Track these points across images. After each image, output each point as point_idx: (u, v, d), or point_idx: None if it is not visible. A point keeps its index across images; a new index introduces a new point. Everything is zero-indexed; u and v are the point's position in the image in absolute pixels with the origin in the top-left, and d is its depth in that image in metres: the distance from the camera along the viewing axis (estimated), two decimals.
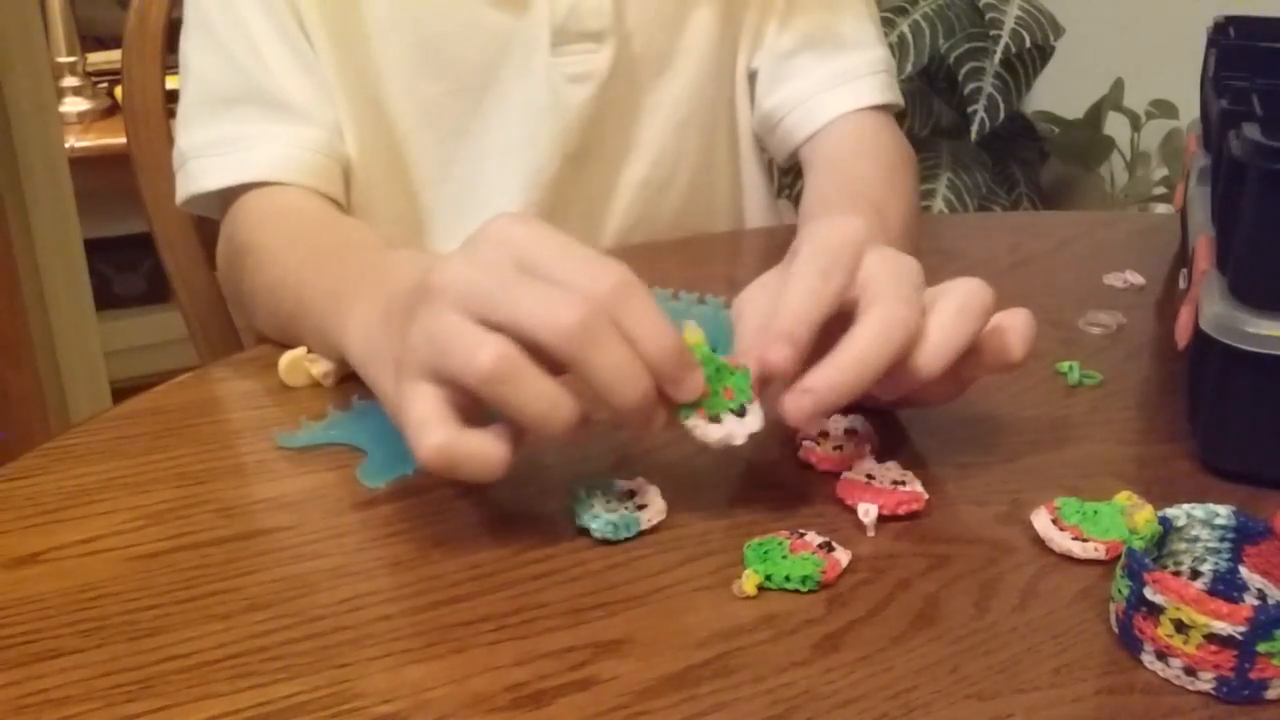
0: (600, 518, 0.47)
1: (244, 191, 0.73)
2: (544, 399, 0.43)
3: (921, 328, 0.49)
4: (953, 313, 0.50)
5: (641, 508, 0.49)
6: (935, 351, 0.49)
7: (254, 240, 0.70)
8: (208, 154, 0.74)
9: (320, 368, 0.60)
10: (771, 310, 0.49)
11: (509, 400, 0.43)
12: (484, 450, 0.44)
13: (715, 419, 0.47)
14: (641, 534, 0.48)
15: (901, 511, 0.49)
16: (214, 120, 0.75)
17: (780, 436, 0.55)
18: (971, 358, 0.51)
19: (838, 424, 0.55)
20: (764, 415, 0.47)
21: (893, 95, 0.85)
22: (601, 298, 0.43)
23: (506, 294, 0.43)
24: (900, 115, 0.88)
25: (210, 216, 0.79)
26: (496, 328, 0.43)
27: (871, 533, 0.48)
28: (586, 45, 0.79)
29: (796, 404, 0.47)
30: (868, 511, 0.48)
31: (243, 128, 0.74)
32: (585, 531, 0.48)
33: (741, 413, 0.47)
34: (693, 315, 0.61)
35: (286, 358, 0.60)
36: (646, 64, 0.82)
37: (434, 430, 0.43)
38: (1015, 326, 0.51)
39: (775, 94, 0.86)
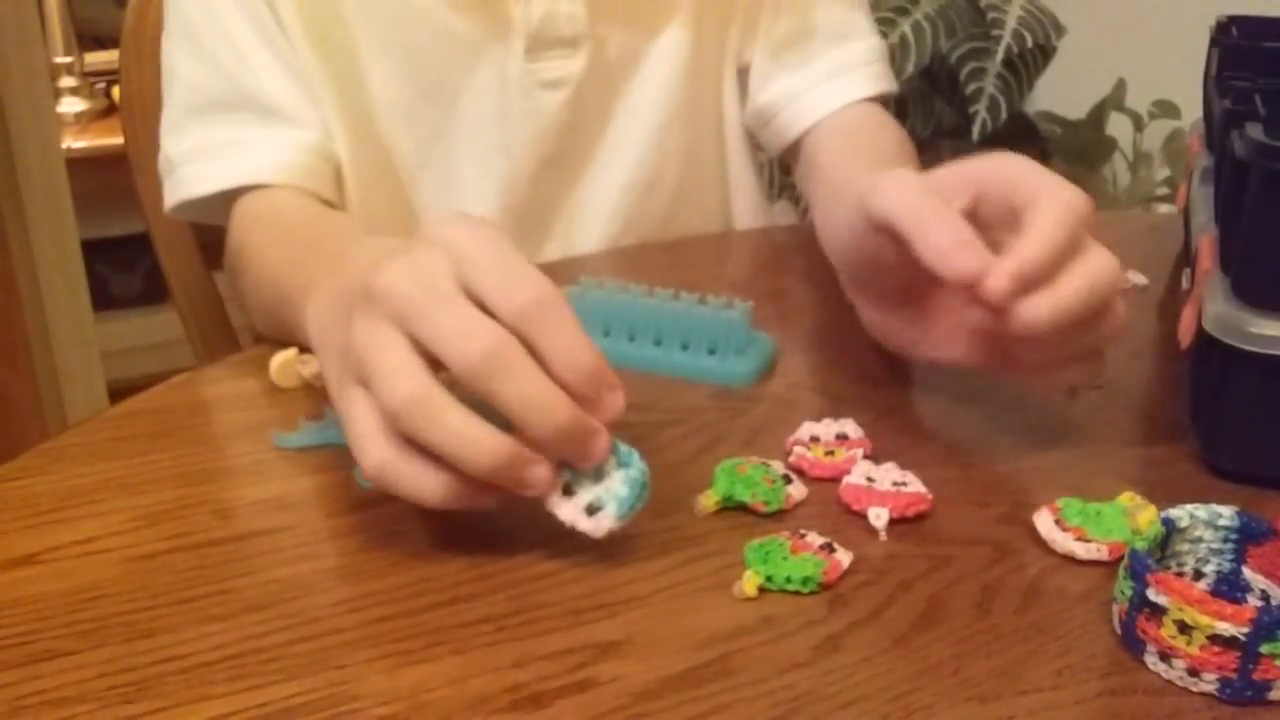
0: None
1: (241, 196, 0.73)
2: (456, 437, 0.42)
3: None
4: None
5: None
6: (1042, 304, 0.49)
7: (246, 241, 0.71)
8: (197, 160, 0.74)
9: (311, 369, 0.59)
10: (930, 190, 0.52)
11: (420, 436, 0.42)
12: (417, 479, 0.43)
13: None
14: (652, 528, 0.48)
15: (910, 514, 0.49)
16: (202, 126, 0.75)
17: (775, 441, 0.55)
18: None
19: (829, 428, 0.54)
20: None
21: (888, 84, 0.86)
22: (513, 315, 0.42)
23: (429, 316, 0.42)
24: (901, 115, 0.89)
25: (200, 222, 0.79)
26: (420, 346, 0.43)
27: (884, 537, 0.48)
28: (561, 51, 0.79)
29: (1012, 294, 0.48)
30: (879, 515, 0.48)
31: (232, 132, 0.74)
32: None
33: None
34: (639, 305, 0.61)
35: (277, 359, 0.60)
36: (621, 67, 0.82)
37: (372, 448, 0.43)
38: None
39: (771, 87, 0.86)
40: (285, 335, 0.62)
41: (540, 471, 0.44)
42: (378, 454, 0.43)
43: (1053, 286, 0.49)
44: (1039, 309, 0.48)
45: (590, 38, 0.79)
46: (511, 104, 0.79)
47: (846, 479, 0.51)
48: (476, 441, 0.42)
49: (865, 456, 0.53)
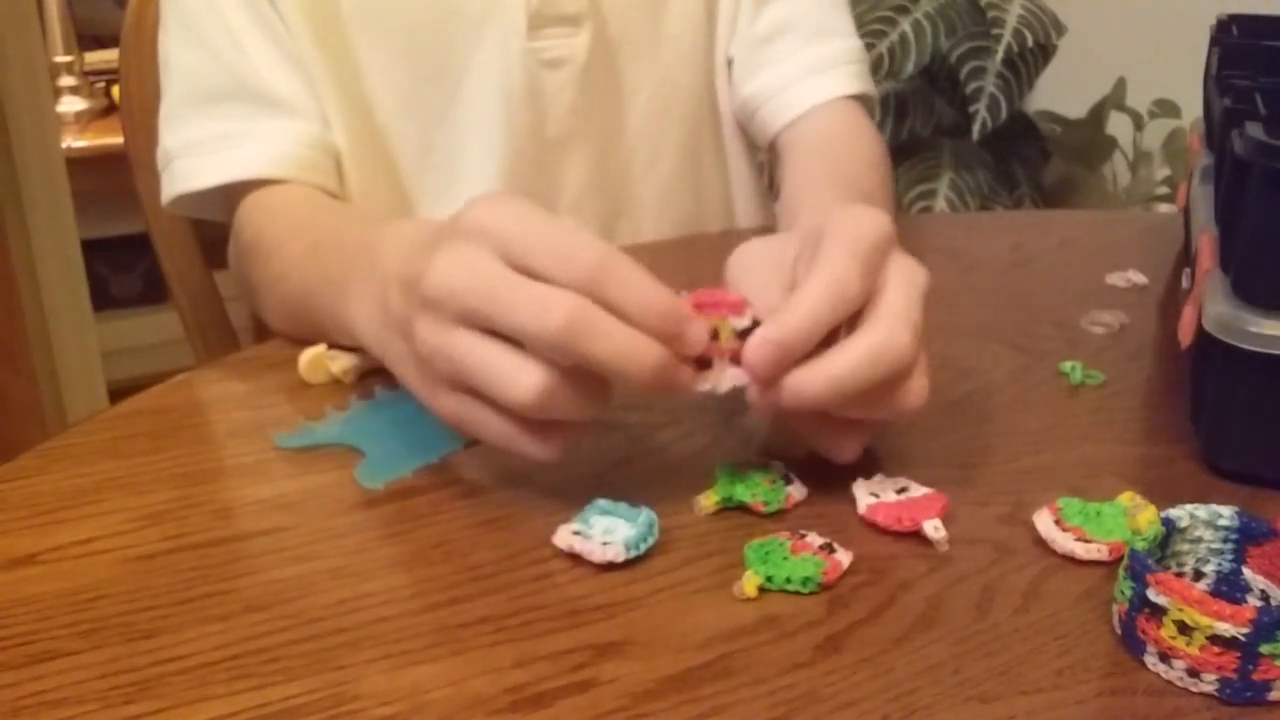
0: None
1: (244, 189, 0.73)
2: (588, 408, 0.45)
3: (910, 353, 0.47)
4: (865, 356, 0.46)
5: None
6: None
7: (260, 237, 0.70)
8: (195, 152, 0.74)
9: (340, 365, 0.59)
10: (769, 272, 0.51)
11: (553, 414, 0.45)
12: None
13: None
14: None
15: (942, 516, 0.48)
16: (201, 118, 0.74)
17: (775, 441, 0.55)
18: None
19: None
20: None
21: (867, 85, 0.86)
22: (580, 282, 0.43)
23: (496, 303, 0.43)
24: (901, 114, 0.89)
25: (197, 217, 0.78)
26: (496, 333, 0.44)
27: (945, 547, 0.47)
28: (563, 29, 0.79)
29: (765, 399, 0.47)
30: (937, 527, 0.47)
31: (232, 124, 0.73)
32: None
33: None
34: None
35: (307, 355, 0.60)
36: (624, 48, 0.82)
37: (537, 445, 0.46)
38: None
39: (752, 81, 0.86)
40: (308, 331, 0.61)
41: (685, 373, 0.46)
42: (546, 448, 0.46)
43: (827, 356, 0.46)
44: (809, 385, 0.46)
45: (592, 17, 0.79)
46: (514, 84, 0.79)
47: (858, 495, 0.49)
48: (602, 406, 0.46)
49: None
